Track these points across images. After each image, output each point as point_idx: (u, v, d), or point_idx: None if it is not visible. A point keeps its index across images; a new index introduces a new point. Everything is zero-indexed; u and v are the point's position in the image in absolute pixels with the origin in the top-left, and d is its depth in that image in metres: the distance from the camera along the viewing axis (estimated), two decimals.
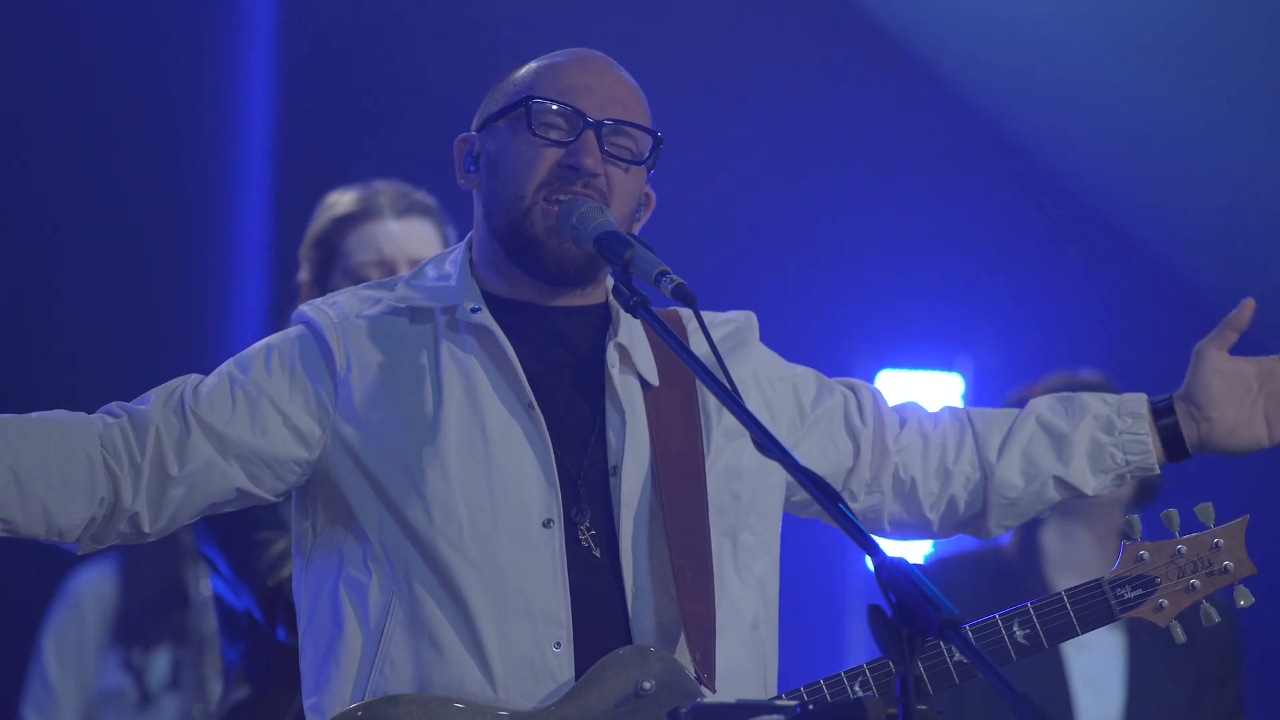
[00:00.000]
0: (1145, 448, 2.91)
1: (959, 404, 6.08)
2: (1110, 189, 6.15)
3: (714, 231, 5.88)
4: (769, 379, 2.83)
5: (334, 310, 2.68)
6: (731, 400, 2.40)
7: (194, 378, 2.66)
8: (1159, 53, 6.12)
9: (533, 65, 2.73)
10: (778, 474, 2.78)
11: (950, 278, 6.18)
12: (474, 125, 2.76)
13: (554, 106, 2.66)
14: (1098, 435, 2.91)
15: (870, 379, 6.05)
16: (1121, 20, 6.11)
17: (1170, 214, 6.09)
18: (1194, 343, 3.09)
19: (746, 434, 2.68)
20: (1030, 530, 4.48)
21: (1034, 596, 3.73)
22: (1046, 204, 6.17)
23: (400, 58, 5.76)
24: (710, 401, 2.74)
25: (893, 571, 2.12)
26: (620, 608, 2.61)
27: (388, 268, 3.67)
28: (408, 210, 3.76)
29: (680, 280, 2.49)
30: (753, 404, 2.75)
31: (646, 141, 2.71)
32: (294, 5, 5.94)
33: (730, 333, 2.82)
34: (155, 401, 2.62)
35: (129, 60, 5.63)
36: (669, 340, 2.50)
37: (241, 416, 2.61)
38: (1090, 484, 2.91)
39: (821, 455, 2.83)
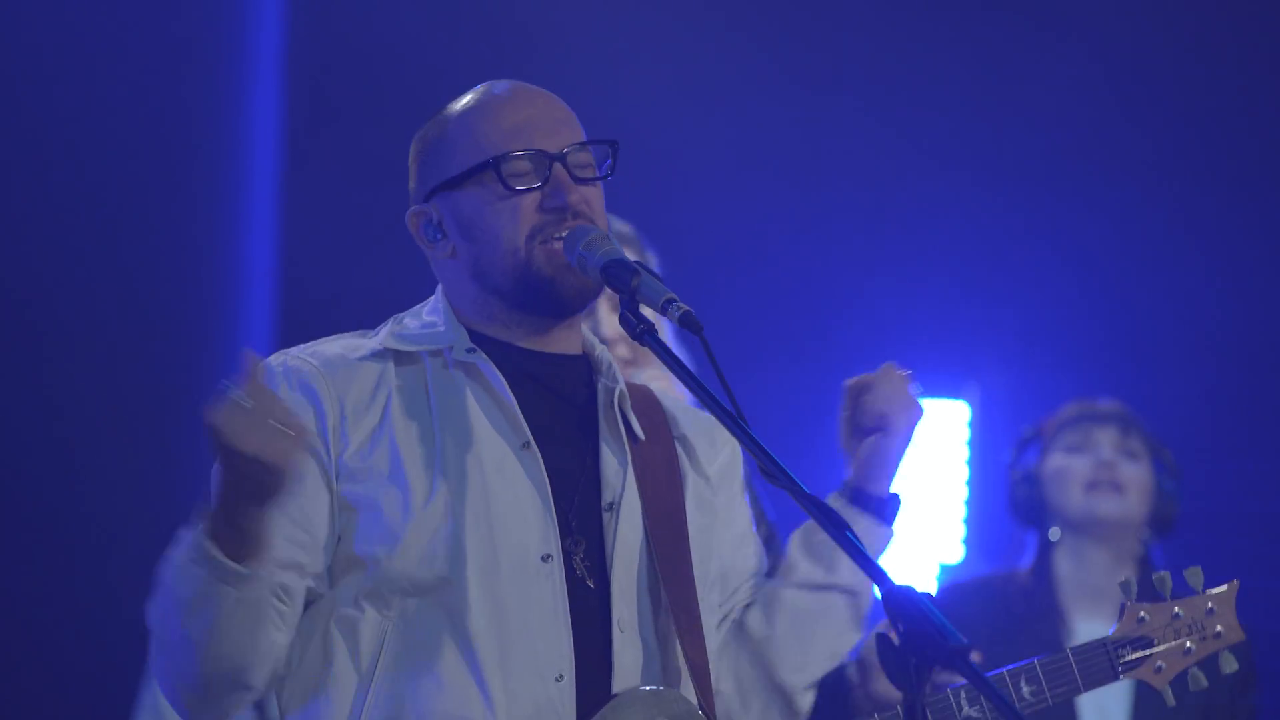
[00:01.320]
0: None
1: (965, 432, 6.09)
2: (1119, 215, 6.15)
3: (717, 260, 5.88)
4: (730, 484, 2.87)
5: (315, 359, 2.65)
6: (737, 426, 2.40)
7: None
8: (1164, 82, 6.12)
9: (463, 122, 2.70)
10: (741, 558, 2.84)
11: (957, 305, 6.17)
12: (421, 196, 2.72)
13: (519, 156, 2.64)
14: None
15: None
16: (1131, 47, 6.12)
17: (1179, 240, 6.09)
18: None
19: (712, 506, 2.74)
20: (1044, 554, 4.48)
21: (1049, 621, 3.76)
22: (1056, 231, 6.17)
23: (411, 66, 5.76)
24: (685, 465, 2.76)
25: (901, 600, 2.11)
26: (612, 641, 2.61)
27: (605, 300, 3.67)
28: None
29: (687, 308, 2.50)
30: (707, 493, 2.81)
31: (601, 150, 2.71)
32: (302, 15, 5.95)
33: (706, 423, 2.84)
34: None
35: (133, 69, 5.64)
36: (674, 368, 2.51)
37: (291, 533, 2.57)
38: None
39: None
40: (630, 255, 3.73)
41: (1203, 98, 6.09)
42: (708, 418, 2.82)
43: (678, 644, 2.62)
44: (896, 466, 2.81)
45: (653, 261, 3.80)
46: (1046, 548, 4.47)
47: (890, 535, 2.80)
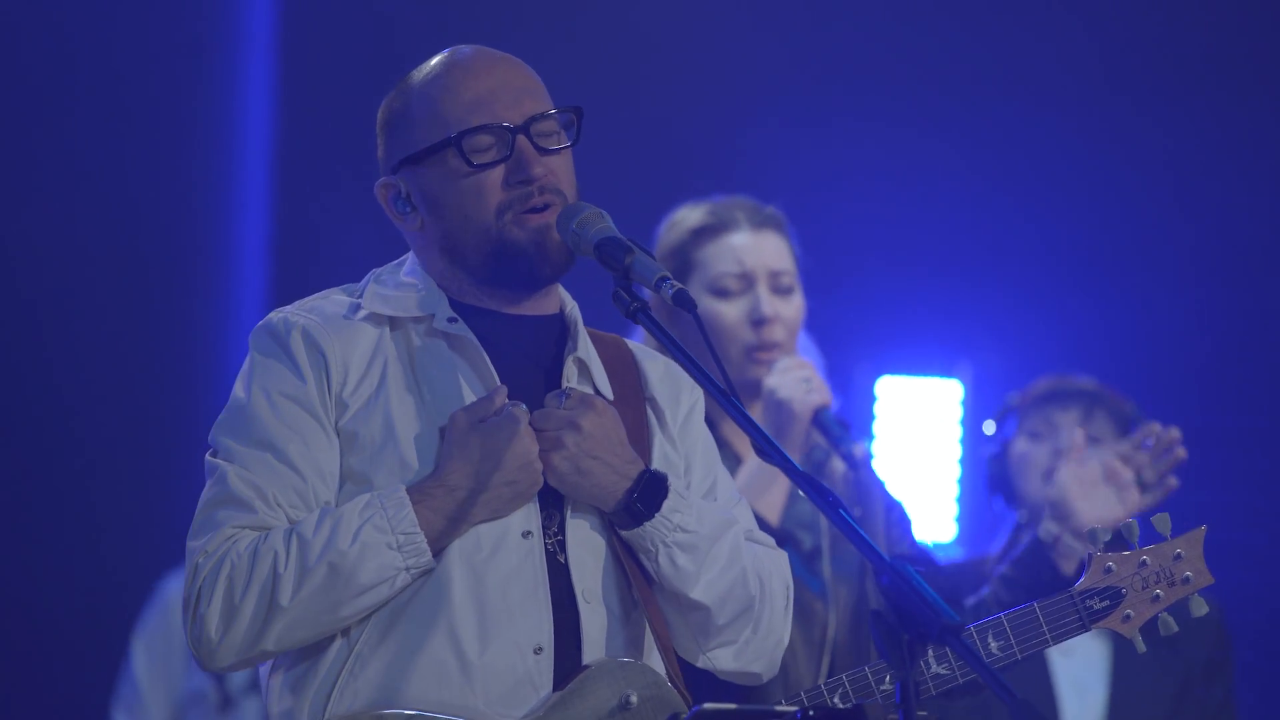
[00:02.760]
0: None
1: (958, 410, 6.10)
2: (1109, 195, 6.16)
3: None
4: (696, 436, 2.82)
5: (318, 316, 2.64)
6: (730, 403, 2.40)
7: (242, 517, 2.56)
8: (1159, 59, 6.12)
9: (425, 93, 2.66)
10: None
11: (951, 284, 6.18)
12: (388, 168, 2.69)
13: (480, 131, 2.61)
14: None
15: (871, 385, 6.07)
16: (1123, 25, 6.12)
17: (1169, 220, 6.10)
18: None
19: (677, 468, 2.72)
20: (1015, 538, 4.49)
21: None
22: (1047, 210, 6.18)
23: (404, 59, 5.76)
24: (654, 427, 2.75)
25: (894, 578, 2.12)
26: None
27: (747, 280, 3.65)
28: (762, 223, 3.72)
29: (681, 285, 2.49)
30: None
31: (563, 119, 2.67)
32: (295, 6, 5.94)
33: (673, 377, 2.81)
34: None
35: (130, 63, 5.63)
36: (668, 345, 2.51)
37: (325, 494, 2.59)
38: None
39: None
40: (781, 241, 3.75)
41: (1198, 81, 6.09)
42: (675, 372, 2.81)
43: (642, 612, 2.63)
44: (591, 494, 2.62)
45: (797, 251, 3.78)
46: (1018, 530, 4.48)
47: (649, 522, 2.61)
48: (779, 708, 2.38)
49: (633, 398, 2.73)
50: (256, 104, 5.95)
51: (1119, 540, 3.05)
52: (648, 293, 2.54)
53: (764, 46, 6.14)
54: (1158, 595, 3.02)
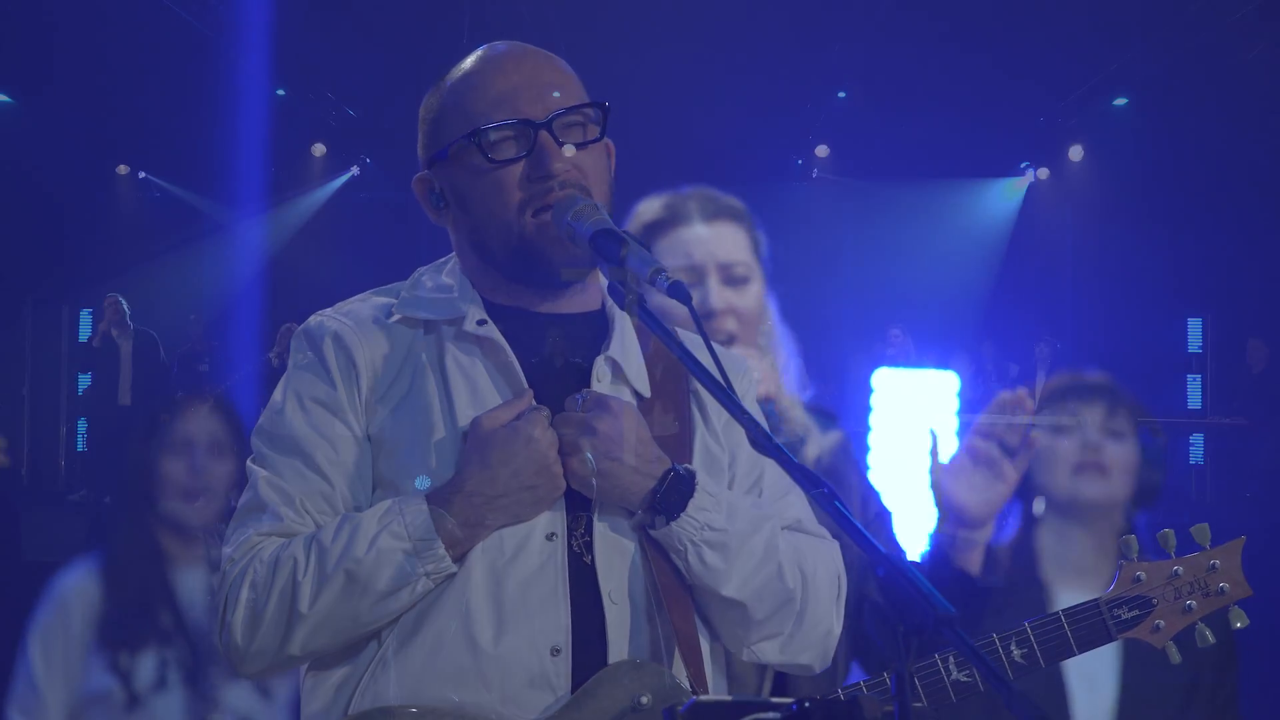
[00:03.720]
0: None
1: (954, 402, 6.11)
2: (1110, 189, 6.18)
3: None
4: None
5: (351, 320, 2.67)
6: (727, 397, 2.41)
7: (262, 521, 2.59)
8: (1152, 51, 6.14)
9: (455, 89, 2.68)
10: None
11: (948, 278, 6.20)
12: (424, 163, 2.72)
13: (501, 127, 2.62)
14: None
15: (866, 377, 6.07)
16: (1120, 17, 6.14)
17: (1168, 216, 6.12)
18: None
19: (720, 463, 2.73)
20: (1025, 530, 4.48)
21: (1027, 596, 3.76)
22: (1042, 205, 6.20)
23: (404, 58, 5.77)
24: (697, 422, 2.75)
25: (890, 569, 2.12)
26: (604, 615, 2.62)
27: (697, 272, 3.62)
28: (716, 215, 3.68)
29: (677, 277, 2.49)
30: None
31: (593, 114, 2.68)
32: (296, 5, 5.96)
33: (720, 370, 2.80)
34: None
35: (130, 61, 5.65)
36: (665, 339, 2.51)
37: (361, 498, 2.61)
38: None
39: None
40: (738, 231, 3.72)
41: (1202, 76, 6.11)
42: (728, 360, 2.80)
43: (668, 614, 2.63)
44: (613, 495, 2.62)
45: (763, 241, 3.76)
46: (1030, 522, 4.47)
47: (675, 522, 2.62)
48: (775, 699, 2.38)
49: (676, 392, 2.73)
50: (256, 104, 5.97)
51: (1156, 550, 3.00)
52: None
53: (765, 37, 6.16)
54: (1190, 606, 2.97)
